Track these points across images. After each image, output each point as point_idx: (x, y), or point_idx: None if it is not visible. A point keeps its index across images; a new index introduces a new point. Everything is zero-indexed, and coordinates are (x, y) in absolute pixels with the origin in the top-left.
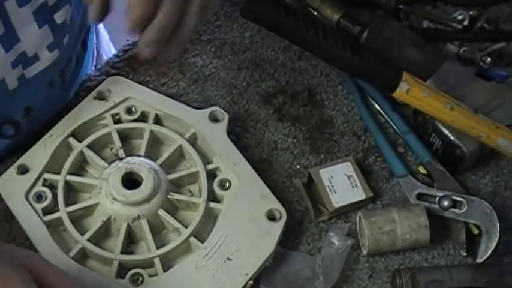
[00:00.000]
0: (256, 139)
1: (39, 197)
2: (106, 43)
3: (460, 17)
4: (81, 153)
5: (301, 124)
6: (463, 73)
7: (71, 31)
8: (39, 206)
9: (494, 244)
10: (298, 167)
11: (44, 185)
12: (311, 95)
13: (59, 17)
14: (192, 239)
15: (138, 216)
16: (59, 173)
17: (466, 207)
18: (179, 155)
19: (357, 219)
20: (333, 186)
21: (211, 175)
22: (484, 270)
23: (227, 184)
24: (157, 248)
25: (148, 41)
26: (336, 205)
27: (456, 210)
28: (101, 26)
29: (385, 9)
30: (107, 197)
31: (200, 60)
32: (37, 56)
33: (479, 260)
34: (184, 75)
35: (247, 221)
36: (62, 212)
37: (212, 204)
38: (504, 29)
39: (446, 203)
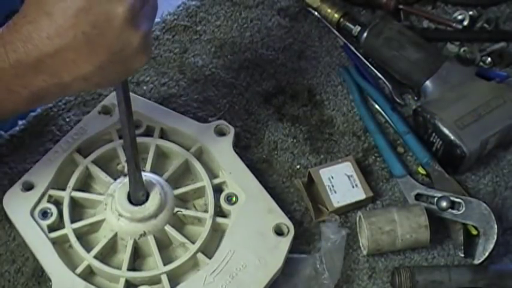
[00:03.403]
0: (256, 139)
1: (44, 214)
2: None
3: (460, 17)
4: (87, 168)
5: (301, 124)
6: (463, 73)
7: None
8: (44, 223)
9: (491, 246)
10: (298, 167)
11: (49, 201)
12: (311, 95)
13: None
14: (199, 255)
15: (145, 232)
16: (64, 189)
17: (464, 209)
18: (185, 170)
19: (357, 219)
20: (333, 186)
21: (217, 189)
22: (483, 272)
23: (234, 199)
24: (165, 264)
25: None
26: (336, 205)
27: (454, 211)
28: None
29: (385, 9)
30: (113, 213)
31: (200, 60)
32: None
33: (477, 262)
34: (184, 75)
35: (255, 236)
36: (68, 229)
37: (219, 220)
38: (504, 29)
39: (444, 204)
